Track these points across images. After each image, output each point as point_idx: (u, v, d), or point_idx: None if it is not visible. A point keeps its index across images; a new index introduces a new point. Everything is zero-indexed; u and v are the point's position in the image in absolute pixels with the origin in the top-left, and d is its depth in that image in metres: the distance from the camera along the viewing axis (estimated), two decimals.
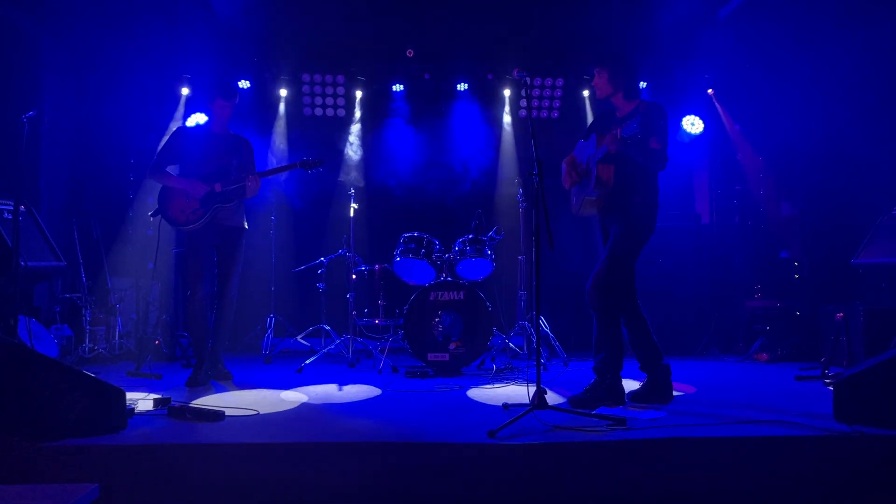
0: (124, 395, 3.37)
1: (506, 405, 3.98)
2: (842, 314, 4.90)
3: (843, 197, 6.22)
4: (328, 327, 6.28)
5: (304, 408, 4.03)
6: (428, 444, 3.16)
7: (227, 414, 3.69)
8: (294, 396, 4.37)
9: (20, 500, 2.17)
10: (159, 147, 5.00)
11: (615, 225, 4.07)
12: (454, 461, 3.09)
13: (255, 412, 3.82)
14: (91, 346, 5.92)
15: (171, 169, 4.89)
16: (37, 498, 2.21)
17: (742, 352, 6.33)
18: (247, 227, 5.07)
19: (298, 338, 6.48)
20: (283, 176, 5.85)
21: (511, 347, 5.96)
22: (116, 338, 6.16)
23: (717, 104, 7.14)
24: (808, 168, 6.49)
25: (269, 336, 6.45)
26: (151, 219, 4.91)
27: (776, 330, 6.12)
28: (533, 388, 3.61)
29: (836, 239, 6.08)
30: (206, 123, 5.06)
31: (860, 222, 5.63)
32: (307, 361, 5.57)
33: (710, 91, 7.16)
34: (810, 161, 6.45)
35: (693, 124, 7.16)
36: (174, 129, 6.11)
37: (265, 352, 6.29)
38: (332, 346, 5.93)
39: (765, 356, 6.02)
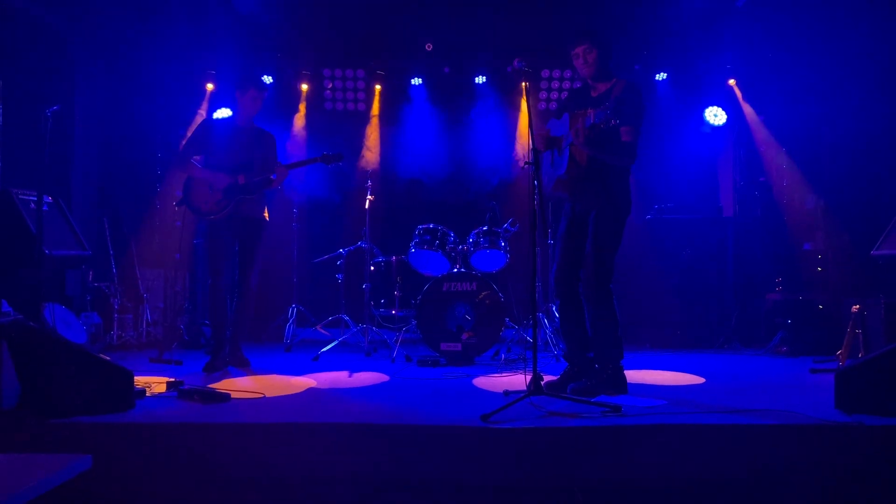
0: (132, 377, 3.52)
1: (506, 392, 4.03)
2: (857, 307, 4.79)
3: (870, 188, 6.07)
4: (347, 317, 6.40)
5: (310, 392, 4.14)
6: (421, 427, 3.23)
7: (233, 396, 3.81)
8: (303, 382, 4.48)
9: (13, 468, 2.29)
10: (185, 139, 5.15)
11: (593, 210, 4.02)
12: (446, 443, 3.16)
13: (261, 395, 3.94)
14: (119, 333, 6.14)
15: (196, 160, 5.04)
16: (30, 467, 2.33)
17: (763, 345, 6.23)
18: (268, 218, 5.19)
19: (318, 327, 6.61)
20: (305, 169, 5.97)
21: (526, 339, 5.98)
22: (144, 326, 6.37)
23: (739, 94, 7.03)
24: (833, 159, 6.34)
25: (290, 325, 6.58)
26: (177, 208, 5.07)
27: (798, 323, 6.00)
28: (548, 377, 3.62)
29: (862, 231, 5.92)
30: (232, 116, 5.20)
31: (887, 214, 5.49)
32: (323, 350, 5.69)
33: (731, 81, 7.05)
34: (835, 151, 6.30)
35: (716, 115, 7.06)
36: (200, 121, 6.29)
37: (286, 341, 6.42)
38: (349, 336, 6.03)
39: (785, 349, 5.93)
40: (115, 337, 6.10)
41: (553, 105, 7.38)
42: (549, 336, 5.88)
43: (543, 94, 7.36)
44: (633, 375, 4.63)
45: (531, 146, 3.67)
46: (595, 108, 3.75)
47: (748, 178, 7.02)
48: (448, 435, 3.17)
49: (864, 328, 4.79)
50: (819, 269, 6.25)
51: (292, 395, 4.05)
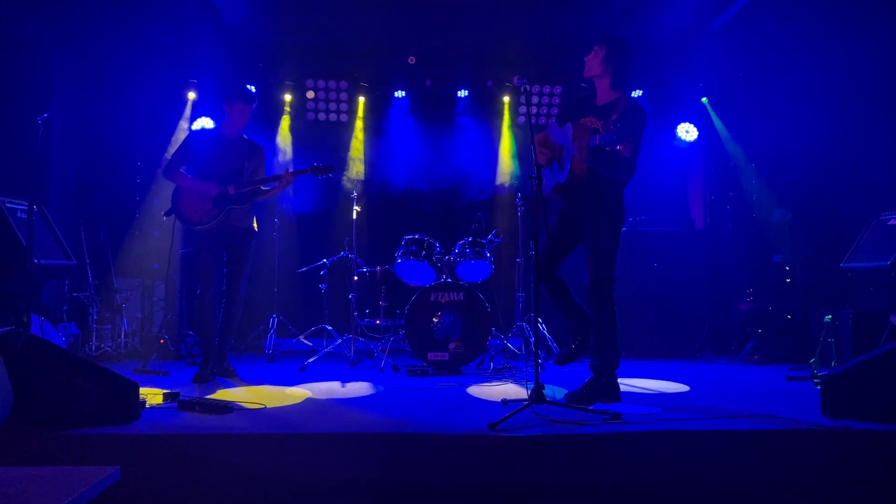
0: (138, 388, 3.49)
1: (505, 401, 4.11)
2: (830, 317, 5.04)
3: (834, 202, 6.38)
4: (330, 327, 6.40)
5: (308, 402, 4.16)
6: (430, 436, 3.29)
7: (234, 407, 3.81)
8: (299, 392, 4.50)
9: (44, 481, 2.28)
10: (172, 149, 5.12)
11: (589, 219, 4.14)
12: (456, 452, 3.22)
13: (262, 406, 3.94)
14: (97, 344, 6.04)
15: (184, 170, 5.02)
16: (61, 479, 2.32)
17: (735, 354, 6.46)
18: (256, 229, 5.19)
19: (301, 338, 6.60)
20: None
21: (509, 348, 6.09)
22: (122, 336, 6.28)
23: (711, 112, 7.30)
24: (799, 174, 6.64)
25: (271, 336, 6.55)
26: (165, 218, 5.04)
27: (768, 332, 6.25)
28: (531, 385, 3.75)
29: (827, 243, 6.23)
30: (218, 127, 5.19)
31: (850, 227, 5.79)
32: (310, 360, 5.70)
33: (704, 99, 7.33)
34: (802, 168, 6.61)
35: (688, 132, 7.32)
36: (188, 132, 6.24)
37: (268, 351, 6.40)
38: (334, 346, 6.05)
39: (756, 358, 6.16)
40: (93, 348, 6.00)
41: (533, 119, 7.52)
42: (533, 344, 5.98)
43: (524, 109, 7.50)
44: (620, 383, 4.76)
45: (535, 160, 3.78)
46: (597, 117, 3.98)
47: (719, 193, 7.29)
48: (458, 443, 3.23)
49: (837, 337, 5.02)
50: (787, 280, 6.52)
51: (292, 405, 4.06)
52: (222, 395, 4.39)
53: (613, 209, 4.15)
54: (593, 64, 4.17)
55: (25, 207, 4.99)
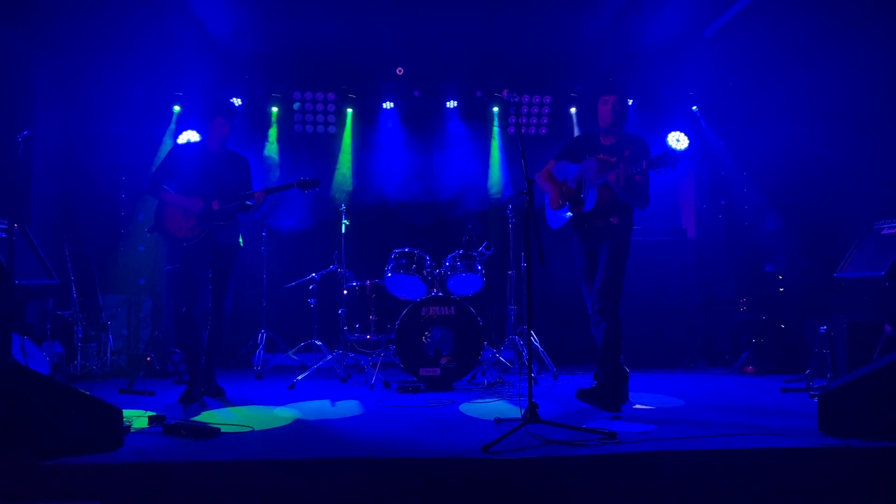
0: (121, 414, 3.40)
1: (498, 420, 4.05)
2: (825, 327, 5.00)
3: (826, 211, 6.34)
4: (319, 343, 6.31)
5: (297, 424, 4.07)
6: (422, 460, 3.22)
7: (222, 431, 3.72)
8: (287, 413, 4.41)
9: None
10: (156, 164, 5.02)
11: (608, 242, 4.39)
12: (448, 476, 3.15)
13: (250, 429, 3.85)
14: (82, 363, 5.92)
15: (168, 186, 4.92)
16: None
17: (729, 364, 6.41)
18: (242, 244, 5.10)
19: (290, 353, 6.51)
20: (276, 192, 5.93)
21: (501, 361, 6.02)
22: (108, 354, 6.15)
23: (701, 121, 7.28)
24: (791, 183, 6.61)
25: (260, 352, 6.46)
26: (149, 235, 4.93)
27: (762, 343, 6.21)
28: (525, 402, 3.68)
29: (820, 253, 6.19)
30: (202, 141, 5.11)
31: (843, 236, 5.76)
32: (299, 377, 5.59)
33: (694, 108, 7.30)
34: (794, 176, 6.57)
35: (678, 140, 7.27)
36: (171, 147, 6.15)
37: (256, 367, 6.30)
38: (324, 362, 5.95)
39: (751, 369, 6.11)
40: (78, 367, 5.88)
41: (522, 130, 7.46)
42: (526, 359, 5.92)
43: (513, 119, 7.43)
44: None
45: (526, 177, 3.76)
46: (609, 155, 4.34)
47: (710, 202, 7.26)
48: (451, 467, 3.16)
49: (832, 348, 4.98)
50: (781, 289, 6.48)
51: (280, 427, 3.96)
52: (209, 416, 4.29)
53: (628, 230, 4.44)
54: (616, 113, 4.46)
55: (6, 226, 4.88)
